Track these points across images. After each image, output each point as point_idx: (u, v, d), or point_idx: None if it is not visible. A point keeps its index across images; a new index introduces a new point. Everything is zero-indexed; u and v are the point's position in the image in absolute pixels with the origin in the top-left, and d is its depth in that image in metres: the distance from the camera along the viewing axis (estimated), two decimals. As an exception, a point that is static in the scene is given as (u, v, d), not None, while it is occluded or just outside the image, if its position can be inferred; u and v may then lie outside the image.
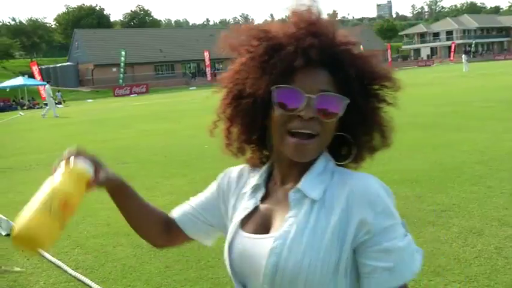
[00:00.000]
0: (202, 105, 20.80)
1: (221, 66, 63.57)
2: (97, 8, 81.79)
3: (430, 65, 70.53)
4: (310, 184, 1.12)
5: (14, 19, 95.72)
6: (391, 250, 1.04)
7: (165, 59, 60.91)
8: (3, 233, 5.41)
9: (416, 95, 17.72)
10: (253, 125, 1.20)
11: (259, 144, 1.27)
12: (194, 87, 51.62)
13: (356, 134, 1.18)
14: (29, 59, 65.69)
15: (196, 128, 13.13)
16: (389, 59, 65.58)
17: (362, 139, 1.19)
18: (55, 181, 1.13)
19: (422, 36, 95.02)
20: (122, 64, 52.55)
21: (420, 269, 1.06)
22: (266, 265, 1.08)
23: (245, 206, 1.23)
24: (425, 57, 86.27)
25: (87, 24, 72.93)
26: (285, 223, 1.10)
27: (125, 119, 18.86)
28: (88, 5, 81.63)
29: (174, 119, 17.65)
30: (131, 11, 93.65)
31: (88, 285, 3.97)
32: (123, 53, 51.67)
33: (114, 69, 54.55)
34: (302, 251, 1.05)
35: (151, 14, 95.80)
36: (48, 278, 4.18)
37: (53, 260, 4.53)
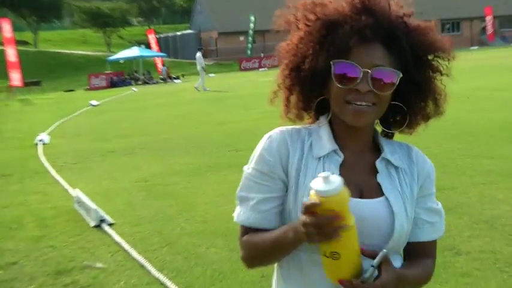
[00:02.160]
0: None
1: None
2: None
3: None
4: (389, 153, 1.56)
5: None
6: (436, 210, 1.63)
7: (302, 25, 61.47)
8: (92, 224, 5.95)
9: None
10: (311, 94, 1.58)
11: (317, 110, 1.61)
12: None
13: (410, 102, 1.56)
14: (147, 27, 70.51)
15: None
16: None
17: (416, 107, 1.57)
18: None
19: None
20: (251, 32, 54.08)
21: None
22: (396, 227, 1.49)
23: (327, 170, 1.47)
24: None
25: (212, -16, 76.08)
26: (387, 188, 1.52)
27: (248, 98, 19.49)
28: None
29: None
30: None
31: (170, 289, 4.24)
32: (252, 18, 53.12)
33: (242, 38, 56.37)
34: (410, 211, 1.54)
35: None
36: (129, 278, 4.54)
37: (138, 258, 4.90)
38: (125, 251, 5.15)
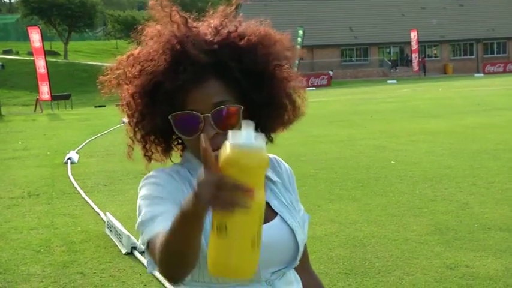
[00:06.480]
0: (401, 106, 20.49)
1: (435, 51, 62.17)
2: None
3: None
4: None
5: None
6: (303, 213, 1.80)
7: (355, 41, 61.48)
8: (123, 250, 6.09)
9: None
10: (167, 139, 1.70)
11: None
12: (394, 81, 51.37)
13: (264, 115, 1.64)
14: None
15: (386, 136, 13.16)
16: None
17: (271, 118, 1.67)
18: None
19: None
20: (299, 47, 54.32)
21: None
22: (299, 243, 1.64)
23: None
24: None
25: (258, -7, 76.80)
26: (276, 205, 1.67)
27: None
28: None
29: (358, 123, 17.80)
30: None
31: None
32: (300, 32, 53.35)
33: (288, 54, 56.62)
34: (300, 221, 1.70)
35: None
36: (163, 311, 4.65)
37: (173, 289, 4.99)
38: (159, 281, 5.24)
